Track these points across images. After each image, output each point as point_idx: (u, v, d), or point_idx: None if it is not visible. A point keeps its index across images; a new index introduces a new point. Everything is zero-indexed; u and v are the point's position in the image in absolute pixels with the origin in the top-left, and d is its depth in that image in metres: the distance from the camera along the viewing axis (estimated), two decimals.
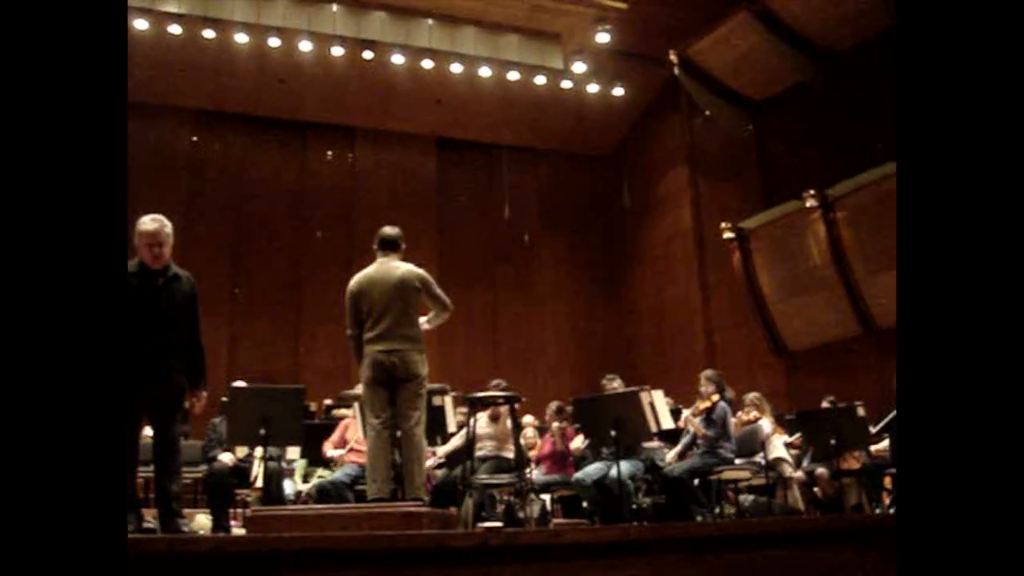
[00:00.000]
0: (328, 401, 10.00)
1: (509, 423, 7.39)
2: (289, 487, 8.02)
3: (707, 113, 15.12)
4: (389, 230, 5.95)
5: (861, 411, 7.60)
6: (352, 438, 7.48)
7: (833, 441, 7.52)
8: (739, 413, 8.80)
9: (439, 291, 5.82)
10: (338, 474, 7.21)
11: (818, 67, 13.88)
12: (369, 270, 5.80)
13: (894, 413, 8.29)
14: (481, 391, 7.29)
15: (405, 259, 5.93)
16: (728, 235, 14.30)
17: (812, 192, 13.00)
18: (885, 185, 12.30)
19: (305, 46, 14.02)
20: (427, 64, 14.67)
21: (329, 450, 7.58)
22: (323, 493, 6.91)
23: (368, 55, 14.41)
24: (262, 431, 6.25)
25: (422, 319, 5.84)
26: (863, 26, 12.96)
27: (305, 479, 8.23)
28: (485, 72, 15.07)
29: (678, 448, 7.97)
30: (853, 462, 8.35)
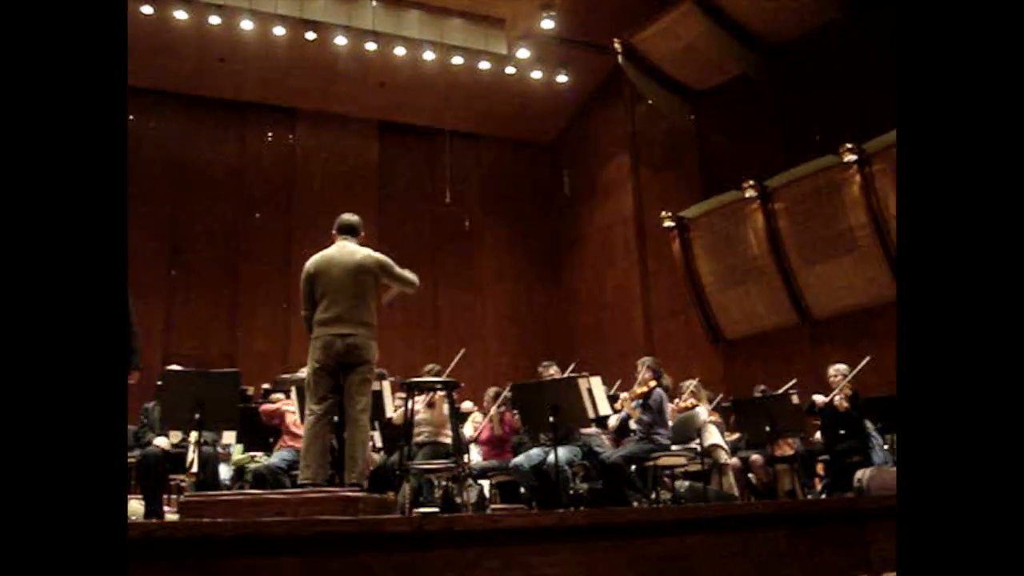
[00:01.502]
0: (266, 385, 9.89)
1: (446, 409, 7.38)
2: (224, 472, 7.94)
3: (650, 102, 15.21)
4: (349, 216, 5.93)
5: (795, 399, 7.73)
6: (290, 422, 7.41)
7: (767, 428, 7.64)
8: (676, 400, 8.89)
9: (400, 271, 5.81)
10: (274, 459, 7.14)
11: (760, 59, 14.03)
12: (328, 251, 5.75)
13: (827, 400, 8.44)
14: (417, 376, 7.27)
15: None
16: (668, 224, 14.42)
17: (751, 182, 13.16)
18: (823, 177, 12.51)
19: (247, 25, 13.81)
20: (370, 46, 14.54)
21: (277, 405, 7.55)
22: (259, 478, 6.85)
23: (311, 36, 14.24)
24: (197, 415, 6.17)
25: (385, 296, 5.88)
26: (804, 19, 13.13)
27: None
28: (429, 56, 14.99)
29: (613, 423, 8.02)
30: (787, 448, 8.50)
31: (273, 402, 7.78)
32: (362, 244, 5.88)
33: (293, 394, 7.33)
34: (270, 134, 16.11)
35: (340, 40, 14.37)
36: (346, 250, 5.72)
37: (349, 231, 5.86)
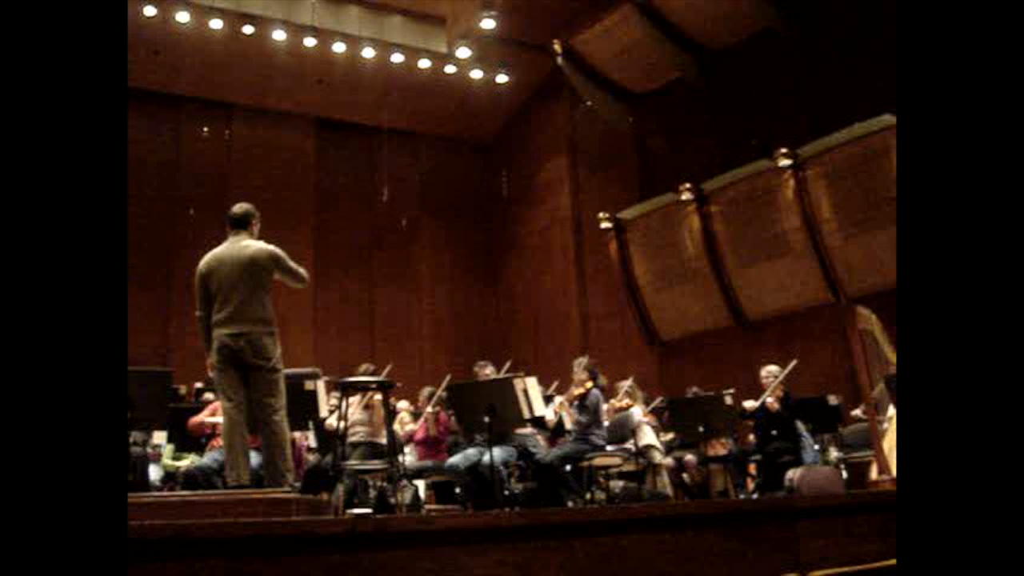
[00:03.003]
0: (199, 384, 9.74)
1: (382, 409, 7.34)
2: (154, 473, 7.80)
3: (588, 104, 15.28)
4: (237, 208, 5.71)
5: (728, 399, 7.82)
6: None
7: (701, 428, 7.72)
8: (612, 400, 8.95)
9: (292, 264, 5.63)
10: (206, 459, 7.03)
11: (698, 64, 14.18)
12: (218, 249, 5.58)
13: (759, 401, 8.57)
14: (352, 376, 7.22)
15: (278, 239, 5.77)
16: (605, 225, 14.50)
17: (688, 185, 13.29)
18: (758, 181, 12.69)
19: (183, 17, 13.56)
20: (309, 42, 14.36)
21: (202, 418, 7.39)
22: (191, 479, 6.74)
23: (248, 30, 14.05)
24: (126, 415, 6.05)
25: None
26: (742, 26, 13.30)
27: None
28: (368, 53, 14.88)
29: (551, 417, 8.06)
30: (720, 449, 8.62)
31: (206, 403, 7.65)
32: (292, 242, 5.77)
33: None
34: (205, 129, 15.85)
35: (278, 35, 14.20)
36: (237, 245, 5.55)
37: (239, 224, 5.66)
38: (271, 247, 5.59)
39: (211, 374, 5.65)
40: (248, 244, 5.57)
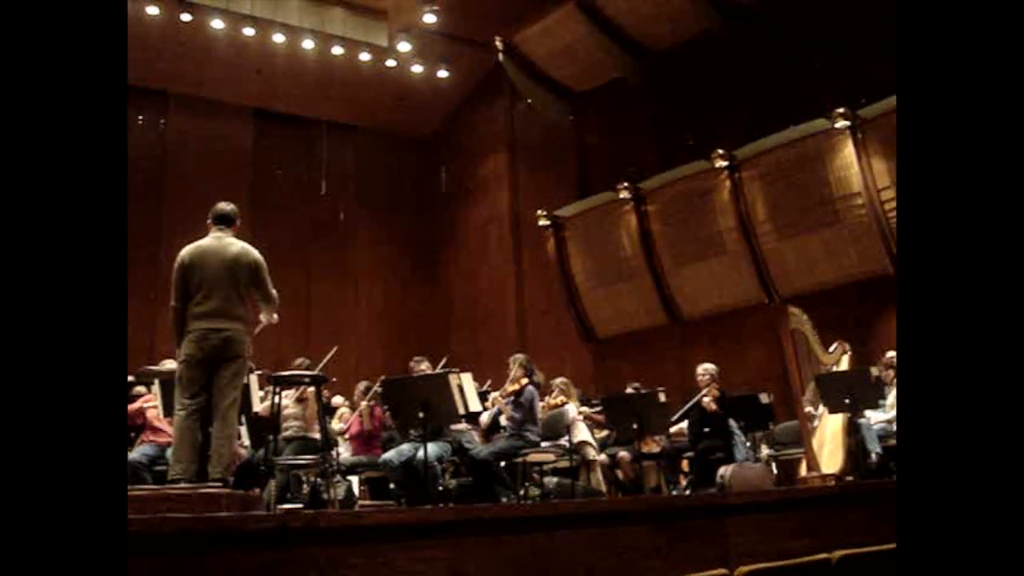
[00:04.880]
0: (130, 377, 9.57)
1: (315, 403, 7.28)
2: None
3: (529, 101, 15.32)
4: (225, 205, 5.71)
5: (662, 397, 7.89)
6: (151, 416, 7.19)
7: (635, 425, 7.78)
8: (547, 397, 8.99)
9: (269, 282, 5.67)
10: (135, 455, 6.92)
11: (638, 64, 14.29)
12: (203, 242, 5.54)
13: (693, 400, 8.67)
14: (287, 370, 7.16)
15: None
16: (543, 222, 14.55)
17: (626, 184, 13.39)
18: (695, 181, 12.84)
19: None
20: (248, 32, 14.19)
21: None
22: None
23: (186, 17, 13.80)
24: None
25: (262, 316, 5.73)
26: (682, 28, 13.45)
27: None
28: (308, 45, 14.73)
29: (485, 420, 8.08)
30: (653, 445, 8.70)
31: (135, 396, 7.53)
32: (237, 235, 5.71)
33: (156, 387, 7.11)
34: (140, 118, 15.54)
35: (217, 23, 13.99)
36: (222, 241, 5.54)
37: (225, 221, 5.65)
38: (257, 253, 5.62)
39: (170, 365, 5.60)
40: (233, 242, 5.57)
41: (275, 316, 5.81)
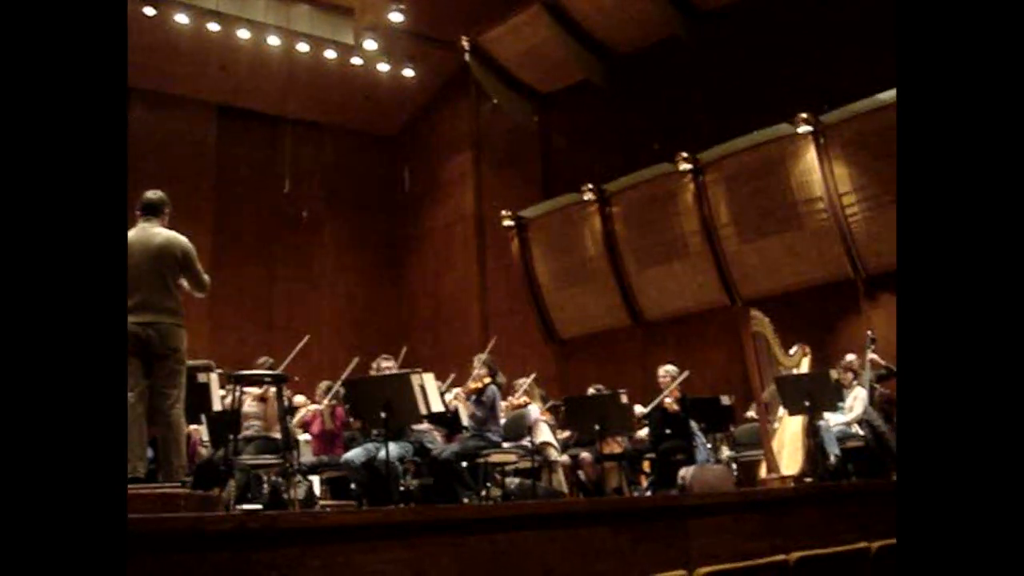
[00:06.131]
0: None
1: (276, 403, 7.23)
2: None
3: (494, 101, 15.31)
4: (151, 194, 5.49)
5: (624, 398, 7.92)
6: None
7: (597, 426, 7.79)
8: (510, 398, 8.99)
9: (199, 267, 5.48)
10: None
11: (604, 66, 14.33)
12: (128, 235, 5.39)
13: (656, 401, 8.71)
14: (250, 368, 7.11)
15: (176, 228, 5.60)
16: (508, 223, 14.56)
17: (590, 186, 13.44)
18: (658, 184, 12.91)
19: None
20: (213, 27, 14.05)
21: None
22: None
23: (150, 12, 13.62)
24: None
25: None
26: (648, 32, 13.50)
27: None
28: (274, 41, 14.61)
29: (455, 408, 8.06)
30: (615, 447, 8.72)
31: None
32: (190, 233, 5.58)
33: None
34: None
35: (181, 18, 13.84)
36: (147, 232, 5.34)
37: (151, 211, 5.44)
38: (184, 240, 5.41)
39: None
40: (159, 232, 5.38)
41: (198, 295, 5.62)
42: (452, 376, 9.32)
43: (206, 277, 5.55)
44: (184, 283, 5.49)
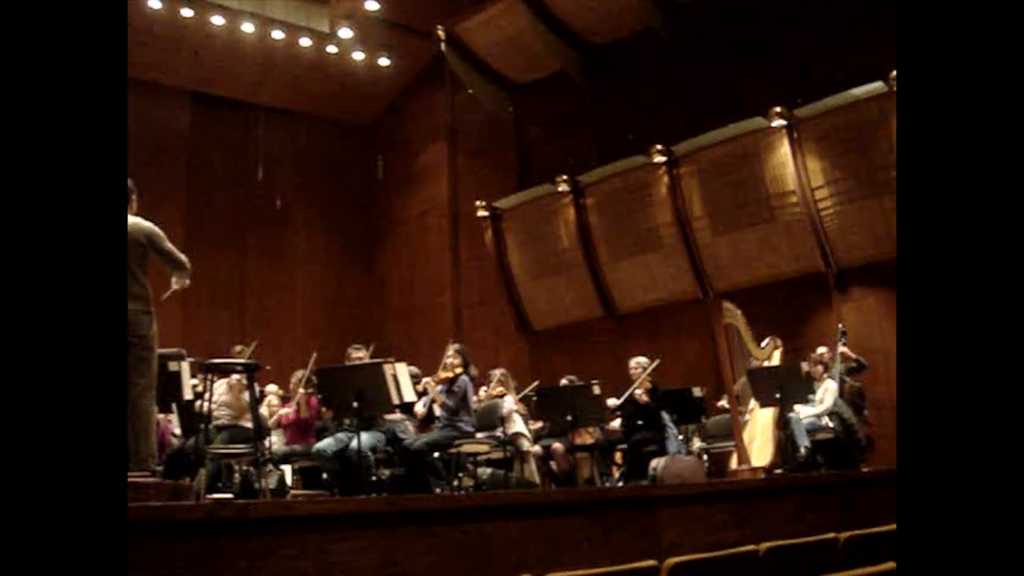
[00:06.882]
0: None
1: (247, 392, 7.20)
2: None
3: (470, 91, 15.27)
4: None
5: (597, 389, 7.94)
6: None
7: (569, 417, 7.81)
8: (485, 388, 9.01)
9: (169, 246, 5.31)
10: None
11: (580, 57, 14.32)
12: None
13: (627, 393, 8.75)
14: (222, 358, 7.07)
15: (147, 215, 5.52)
16: (482, 213, 14.53)
17: (565, 177, 13.44)
18: (633, 176, 12.93)
19: None
20: (186, 12, 13.89)
21: None
22: None
23: None
24: None
25: (173, 281, 5.52)
26: (624, 23, 13.50)
27: None
28: (248, 28, 14.48)
29: (420, 410, 8.04)
30: (587, 437, 8.76)
31: None
32: (161, 219, 5.50)
33: None
34: None
35: (154, 3, 13.64)
36: None
37: None
38: (148, 224, 5.28)
39: None
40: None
41: (186, 281, 5.56)
42: (422, 367, 9.32)
43: (182, 256, 5.38)
44: (173, 277, 5.45)
